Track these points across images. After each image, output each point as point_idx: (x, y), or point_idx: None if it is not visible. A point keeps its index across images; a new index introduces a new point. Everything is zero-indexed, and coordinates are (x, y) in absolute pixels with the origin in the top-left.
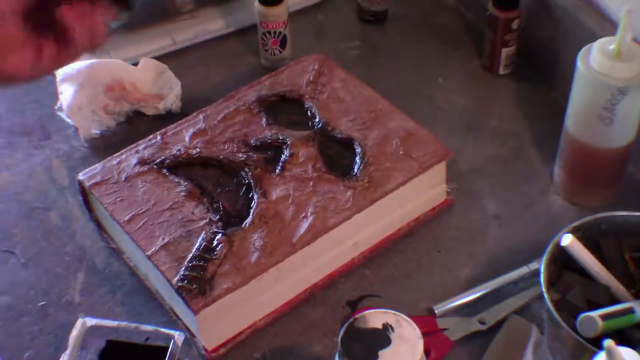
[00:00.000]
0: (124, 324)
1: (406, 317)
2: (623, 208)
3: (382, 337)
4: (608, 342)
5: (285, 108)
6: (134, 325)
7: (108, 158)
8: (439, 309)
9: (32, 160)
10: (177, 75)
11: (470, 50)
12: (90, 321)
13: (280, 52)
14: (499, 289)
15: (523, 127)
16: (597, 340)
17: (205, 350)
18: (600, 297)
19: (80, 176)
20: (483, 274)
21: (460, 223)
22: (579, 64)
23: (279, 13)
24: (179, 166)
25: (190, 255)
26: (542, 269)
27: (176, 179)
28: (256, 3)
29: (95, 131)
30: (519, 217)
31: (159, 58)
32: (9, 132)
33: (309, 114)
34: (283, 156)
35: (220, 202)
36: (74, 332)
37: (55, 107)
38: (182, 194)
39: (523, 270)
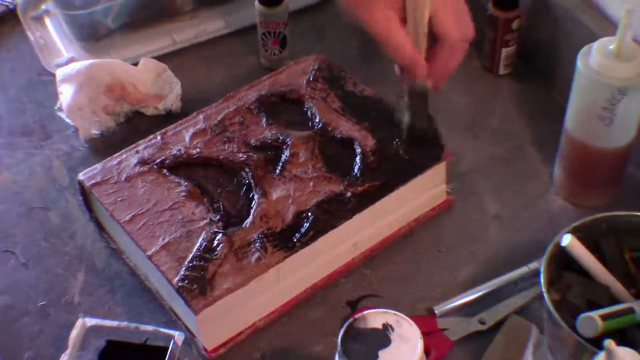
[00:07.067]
0: (124, 324)
1: (406, 317)
2: (623, 208)
3: (382, 337)
4: (608, 342)
5: (285, 108)
6: (133, 325)
7: (108, 158)
8: (439, 309)
9: (32, 160)
10: (177, 75)
11: (470, 50)
12: (90, 321)
13: (280, 52)
14: (499, 289)
15: (523, 127)
16: (597, 340)
17: (205, 350)
18: (600, 297)
19: (80, 176)
20: (483, 274)
21: (460, 223)
22: (579, 64)
23: (279, 13)
24: (179, 166)
25: (191, 255)
26: (542, 269)
27: (176, 179)
28: (256, 3)
29: (95, 131)
30: (519, 217)
31: (159, 58)
32: (9, 132)
33: (309, 114)
34: (283, 156)
35: (220, 202)
36: (74, 332)
37: (55, 107)
38: (183, 194)
39: (523, 270)
